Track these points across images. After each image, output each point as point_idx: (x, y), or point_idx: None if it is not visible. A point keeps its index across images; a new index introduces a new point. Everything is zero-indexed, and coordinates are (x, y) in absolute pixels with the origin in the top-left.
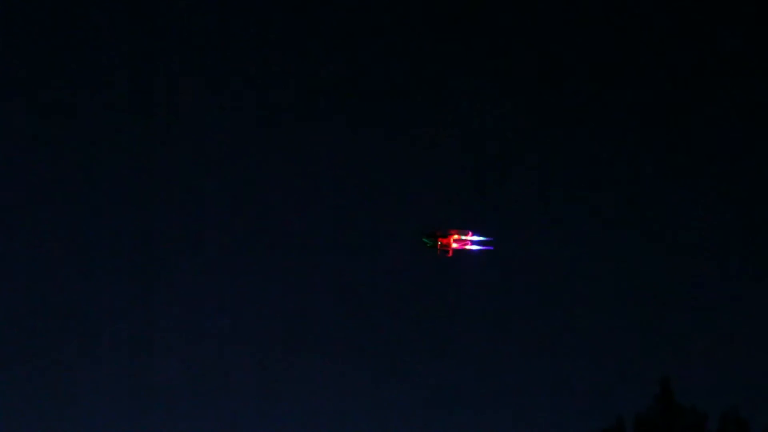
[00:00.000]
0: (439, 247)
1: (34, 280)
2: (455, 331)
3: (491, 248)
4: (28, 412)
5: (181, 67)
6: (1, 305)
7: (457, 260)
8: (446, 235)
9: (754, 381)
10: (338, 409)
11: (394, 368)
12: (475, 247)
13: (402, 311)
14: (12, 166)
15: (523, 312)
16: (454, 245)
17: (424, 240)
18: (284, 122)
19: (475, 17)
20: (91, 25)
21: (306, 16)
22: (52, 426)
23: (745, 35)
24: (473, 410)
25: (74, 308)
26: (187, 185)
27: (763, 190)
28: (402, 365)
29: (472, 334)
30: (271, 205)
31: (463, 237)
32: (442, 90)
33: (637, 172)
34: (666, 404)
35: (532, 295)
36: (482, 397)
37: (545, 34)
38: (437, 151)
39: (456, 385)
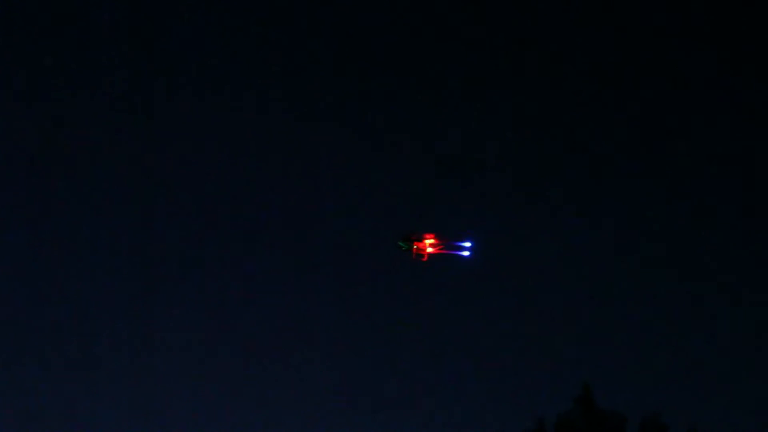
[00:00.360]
0: (414, 251)
1: (34, 280)
2: (386, 332)
3: (469, 253)
4: (27, 412)
5: (180, 68)
6: (1, 305)
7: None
8: (421, 239)
9: (674, 387)
10: (333, 408)
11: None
12: (456, 252)
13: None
14: (12, 166)
15: (445, 314)
16: (430, 249)
17: (400, 244)
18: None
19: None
20: (90, 25)
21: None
22: (52, 426)
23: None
24: (396, 410)
25: (74, 308)
26: (186, 187)
27: (664, 193)
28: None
29: (389, 336)
30: (260, 208)
31: (439, 241)
32: (421, 95)
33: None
34: (586, 407)
35: (457, 299)
36: (403, 397)
37: (530, 37)
38: (418, 157)
39: (377, 385)
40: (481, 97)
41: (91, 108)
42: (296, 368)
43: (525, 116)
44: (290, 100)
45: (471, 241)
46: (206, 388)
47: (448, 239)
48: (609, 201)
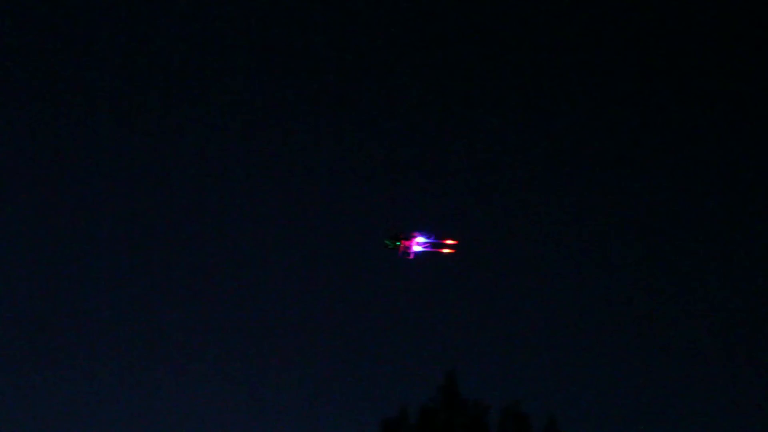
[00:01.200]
0: (400, 249)
1: (34, 280)
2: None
3: (454, 250)
4: (27, 412)
5: (180, 68)
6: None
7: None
8: (408, 238)
9: (535, 379)
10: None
11: None
12: (446, 250)
13: None
14: (13, 166)
15: (308, 303)
16: (416, 248)
17: (386, 242)
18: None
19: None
20: (91, 27)
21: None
22: (51, 425)
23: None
24: (253, 402)
25: (74, 308)
26: (186, 187)
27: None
28: None
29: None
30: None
31: (426, 240)
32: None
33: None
34: (449, 396)
35: (319, 290)
36: (263, 392)
37: (518, 42)
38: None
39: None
40: (474, 97)
41: (91, 109)
42: (295, 367)
43: (512, 118)
44: (288, 101)
45: (457, 239)
46: (206, 387)
47: (434, 238)
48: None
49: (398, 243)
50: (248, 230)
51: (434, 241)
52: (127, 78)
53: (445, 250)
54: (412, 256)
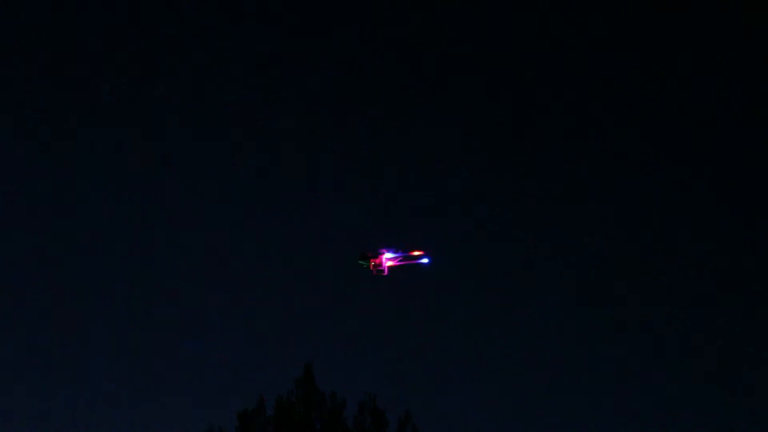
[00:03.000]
0: (372, 267)
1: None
2: None
3: (427, 261)
4: (27, 412)
5: (180, 68)
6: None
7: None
8: (377, 255)
9: (390, 374)
10: None
11: None
12: (415, 262)
13: None
14: (13, 167)
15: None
16: (389, 263)
17: (360, 262)
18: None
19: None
20: (91, 29)
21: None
22: (52, 425)
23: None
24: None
25: (73, 308)
26: (185, 187)
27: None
28: None
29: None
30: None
31: (395, 254)
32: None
33: None
34: (307, 388)
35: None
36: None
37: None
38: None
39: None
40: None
41: (91, 108)
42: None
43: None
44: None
45: (428, 251)
46: (205, 387)
47: (404, 251)
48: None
49: (368, 261)
50: None
51: (402, 254)
52: (126, 77)
53: (420, 261)
54: (386, 272)
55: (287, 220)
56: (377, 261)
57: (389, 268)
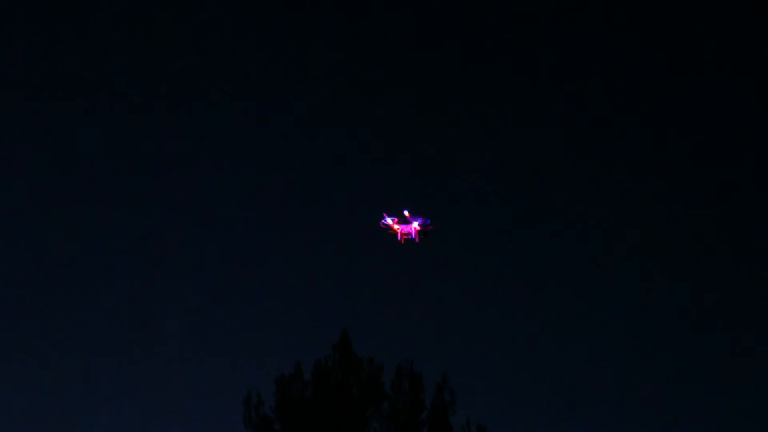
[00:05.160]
0: (400, 235)
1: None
2: None
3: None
4: (27, 412)
5: (181, 68)
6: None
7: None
8: (404, 222)
9: (428, 338)
10: None
11: None
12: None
13: None
14: (13, 167)
15: (206, 257)
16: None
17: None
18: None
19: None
20: (92, 29)
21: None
22: (51, 425)
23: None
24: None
25: (74, 308)
26: (185, 187)
27: None
28: None
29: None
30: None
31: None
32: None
33: None
34: (344, 354)
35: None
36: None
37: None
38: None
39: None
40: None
41: (91, 109)
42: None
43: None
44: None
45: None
46: (205, 386)
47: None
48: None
49: (395, 227)
50: None
51: (424, 221)
52: (126, 77)
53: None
54: (417, 239)
55: (320, 188)
56: (405, 229)
57: (418, 232)
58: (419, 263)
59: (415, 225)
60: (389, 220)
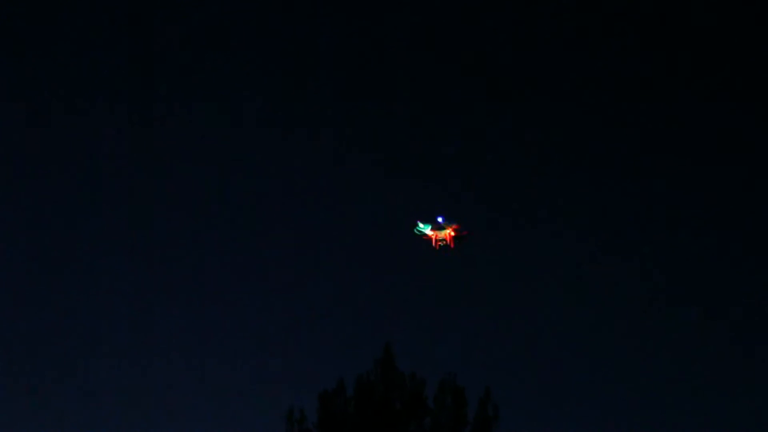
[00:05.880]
0: (435, 241)
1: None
2: None
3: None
4: (27, 412)
5: (180, 67)
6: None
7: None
8: (441, 228)
9: (471, 351)
10: None
11: None
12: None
13: None
14: (13, 167)
15: (246, 274)
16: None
17: (420, 231)
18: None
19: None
20: (91, 30)
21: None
22: (52, 425)
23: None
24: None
25: (74, 308)
26: (185, 187)
27: None
28: None
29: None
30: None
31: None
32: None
33: None
34: (387, 368)
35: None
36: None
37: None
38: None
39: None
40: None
41: (91, 109)
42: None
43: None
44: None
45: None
46: (248, 404)
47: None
48: None
49: (431, 231)
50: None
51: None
52: (127, 76)
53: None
54: (452, 245)
55: (356, 200)
56: (440, 235)
57: (453, 238)
58: (462, 276)
59: (450, 231)
60: (424, 228)
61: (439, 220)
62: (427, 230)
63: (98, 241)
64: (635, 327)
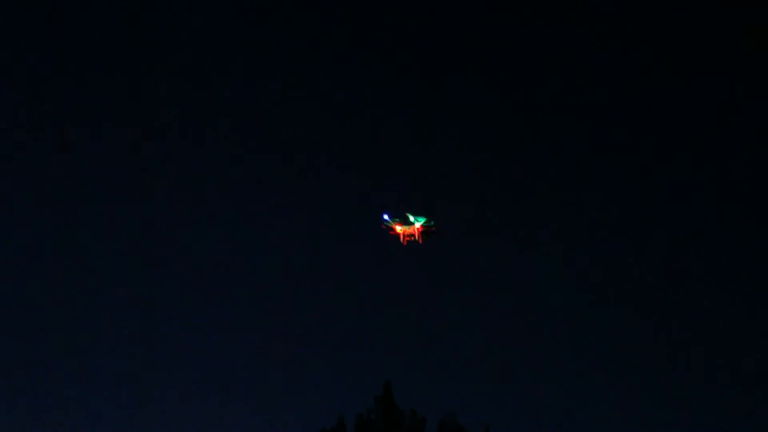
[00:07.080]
0: (402, 236)
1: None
2: None
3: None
4: (27, 412)
5: (181, 67)
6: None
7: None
8: (407, 223)
9: (471, 390)
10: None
11: None
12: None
13: None
14: (13, 166)
15: (247, 310)
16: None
17: (388, 225)
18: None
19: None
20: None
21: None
22: (52, 425)
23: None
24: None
25: (74, 308)
26: (186, 186)
27: None
28: None
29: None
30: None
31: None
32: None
33: None
34: (387, 406)
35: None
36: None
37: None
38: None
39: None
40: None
41: (91, 109)
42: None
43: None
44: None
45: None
46: (205, 387)
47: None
48: None
49: (398, 228)
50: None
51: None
52: (125, 76)
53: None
54: (420, 240)
55: (353, 237)
56: (408, 231)
57: (421, 233)
58: (461, 314)
59: (418, 225)
60: (390, 221)
61: (385, 217)
62: (395, 224)
63: (98, 241)
64: (640, 363)
